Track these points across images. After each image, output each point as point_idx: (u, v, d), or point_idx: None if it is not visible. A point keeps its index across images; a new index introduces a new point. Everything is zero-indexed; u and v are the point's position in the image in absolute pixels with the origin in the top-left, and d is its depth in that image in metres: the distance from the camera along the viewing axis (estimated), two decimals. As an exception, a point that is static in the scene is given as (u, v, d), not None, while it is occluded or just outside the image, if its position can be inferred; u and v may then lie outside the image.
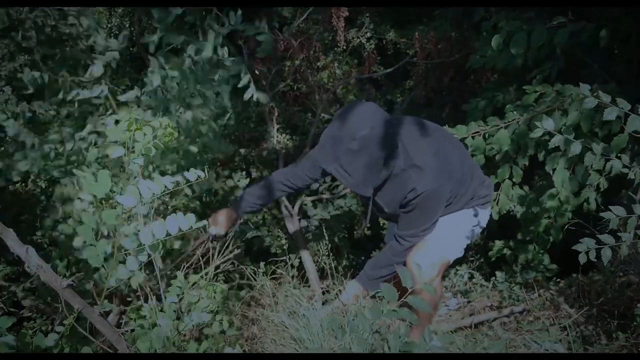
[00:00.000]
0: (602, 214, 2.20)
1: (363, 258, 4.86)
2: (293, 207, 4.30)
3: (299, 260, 3.84)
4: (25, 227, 4.21)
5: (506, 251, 3.79)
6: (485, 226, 2.88)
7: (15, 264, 3.89)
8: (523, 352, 2.76)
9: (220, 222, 2.83)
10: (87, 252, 1.75)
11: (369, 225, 2.82)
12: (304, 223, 4.05)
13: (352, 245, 4.99)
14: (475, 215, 2.79)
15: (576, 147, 2.47)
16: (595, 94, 2.39)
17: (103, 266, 1.76)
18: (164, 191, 1.62)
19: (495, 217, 3.47)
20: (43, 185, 4.22)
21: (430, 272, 2.63)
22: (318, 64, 5.39)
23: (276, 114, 5.19)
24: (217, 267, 2.76)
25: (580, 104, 2.91)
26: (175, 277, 2.19)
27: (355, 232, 5.07)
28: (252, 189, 2.94)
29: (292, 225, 4.13)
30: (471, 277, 3.79)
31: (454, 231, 2.76)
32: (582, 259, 2.15)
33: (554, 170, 3.09)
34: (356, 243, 5.07)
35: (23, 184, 4.15)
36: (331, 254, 3.63)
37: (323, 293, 3.46)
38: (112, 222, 1.58)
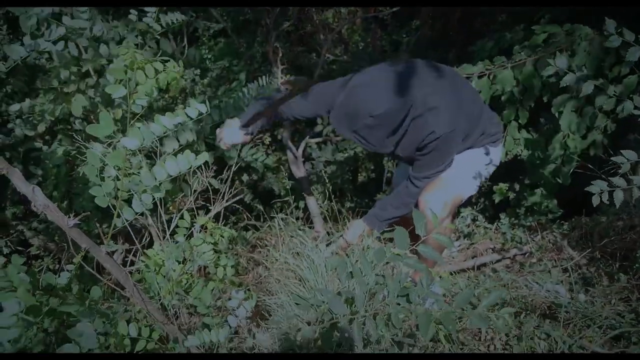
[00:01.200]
0: (613, 158, 2.18)
1: (367, 201, 4.88)
2: (297, 150, 4.29)
3: (303, 203, 3.86)
4: (32, 168, 4.22)
5: (510, 194, 3.79)
6: (498, 164, 2.89)
7: (22, 203, 3.93)
8: (524, 294, 2.79)
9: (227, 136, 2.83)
10: (93, 192, 1.76)
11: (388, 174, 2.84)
12: (308, 166, 4.05)
13: (356, 188, 5.01)
14: (487, 153, 2.80)
15: (588, 87, 2.43)
16: (619, 30, 2.33)
17: (109, 206, 1.77)
18: (166, 132, 1.62)
19: (502, 159, 3.46)
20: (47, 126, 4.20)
21: (443, 210, 2.66)
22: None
23: (280, 54, 5.11)
24: (225, 208, 2.77)
25: (589, 44, 2.85)
26: (182, 217, 2.20)
27: (359, 175, 5.08)
28: (259, 109, 2.86)
29: (297, 168, 4.13)
30: (474, 220, 3.80)
31: (467, 169, 2.78)
32: (595, 200, 2.14)
33: (560, 113, 3.05)
34: (360, 186, 5.08)
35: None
36: (335, 197, 3.64)
37: (327, 234, 3.49)
38: (117, 163, 1.57)
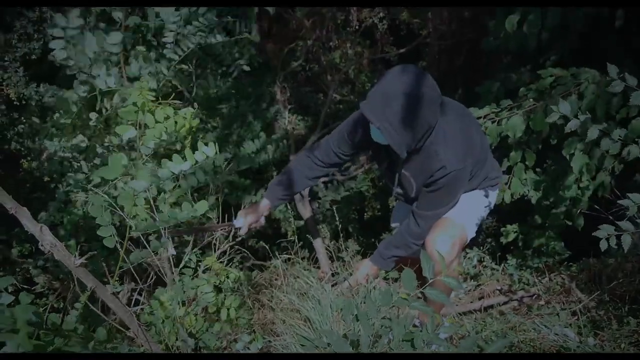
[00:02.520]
0: (620, 202, 2.17)
1: (373, 240, 4.86)
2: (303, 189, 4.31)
3: (309, 242, 3.85)
4: (37, 204, 4.24)
5: (518, 235, 3.77)
6: (492, 208, 2.89)
7: (29, 241, 3.94)
8: (532, 337, 2.76)
9: (246, 216, 2.84)
10: (101, 233, 1.76)
11: (399, 191, 2.81)
12: (314, 205, 4.06)
13: (362, 228, 4.99)
14: (487, 195, 2.81)
15: (593, 132, 2.44)
16: (621, 75, 2.34)
17: (116, 247, 1.78)
18: (173, 176, 1.63)
19: (508, 200, 3.45)
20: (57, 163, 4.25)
21: (452, 250, 2.64)
22: (330, 44, 5.35)
23: (288, 94, 5.18)
24: (230, 247, 2.77)
25: (597, 87, 2.87)
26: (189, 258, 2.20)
27: (365, 214, 5.08)
28: (279, 178, 2.91)
29: (303, 207, 4.14)
30: (481, 261, 3.78)
31: (471, 209, 2.77)
32: (603, 245, 2.13)
33: (571, 155, 3.05)
34: (366, 225, 5.07)
35: (36, 162, 4.18)
36: (341, 236, 3.64)
37: (333, 275, 3.47)
38: (126, 204, 1.58)
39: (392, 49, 5.52)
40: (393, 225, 3.23)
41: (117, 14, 2.70)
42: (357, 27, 5.23)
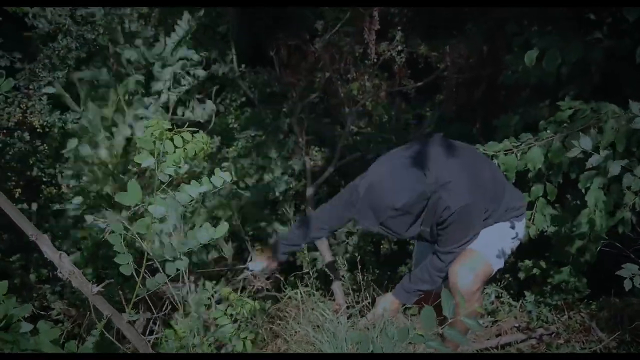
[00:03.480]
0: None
1: (389, 273, 4.82)
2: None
3: (324, 274, 3.82)
4: (56, 231, 4.27)
5: (536, 271, 3.72)
6: (522, 239, 2.89)
7: (46, 267, 3.96)
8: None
9: (262, 260, 3.05)
10: (118, 260, 1.77)
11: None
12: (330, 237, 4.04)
13: (378, 260, 4.96)
14: (512, 227, 2.80)
15: (615, 168, 2.42)
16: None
17: (133, 275, 1.78)
18: (192, 201, 1.64)
19: (534, 236, 3.42)
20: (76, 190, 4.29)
21: (474, 282, 2.63)
22: (348, 76, 5.39)
23: (305, 125, 5.20)
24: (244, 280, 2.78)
25: (617, 122, 2.85)
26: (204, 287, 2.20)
27: (381, 247, 5.04)
28: (290, 234, 3.09)
29: (320, 241, 4.12)
30: (498, 296, 3.73)
31: (495, 241, 2.77)
32: (627, 285, 2.11)
33: (586, 189, 3.03)
34: (382, 258, 5.03)
35: (56, 189, 4.23)
36: (357, 268, 3.61)
37: (348, 307, 3.44)
38: (143, 231, 1.59)
39: (410, 82, 5.54)
40: (414, 261, 3.24)
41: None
42: (375, 60, 5.26)
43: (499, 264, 2.80)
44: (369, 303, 3.09)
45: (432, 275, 2.73)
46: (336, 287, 3.63)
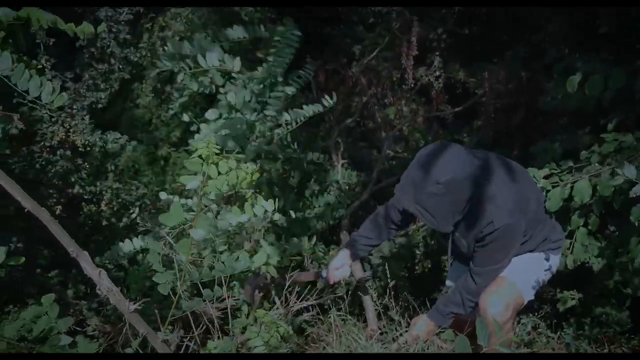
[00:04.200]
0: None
1: (422, 298, 4.77)
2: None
3: (358, 297, 3.80)
4: (94, 247, 4.35)
5: (575, 302, 3.64)
6: (555, 272, 2.83)
7: (84, 283, 4.03)
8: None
9: (334, 267, 3.04)
10: (156, 279, 1.79)
11: (451, 260, 2.87)
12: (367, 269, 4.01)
13: (412, 285, 4.91)
14: (547, 259, 2.75)
15: (661, 197, 2.37)
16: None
17: (170, 294, 1.80)
18: (233, 226, 1.66)
19: (570, 266, 3.35)
20: (115, 209, 4.37)
21: (506, 312, 2.59)
22: (385, 100, 5.40)
23: (342, 148, 5.21)
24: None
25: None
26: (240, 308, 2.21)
27: (415, 271, 5.00)
28: (363, 232, 3.07)
29: (355, 265, 4.11)
30: (536, 327, 3.66)
31: (528, 271, 2.73)
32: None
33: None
34: (416, 282, 4.99)
35: (96, 206, 4.31)
36: (391, 293, 3.59)
37: (381, 333, 3.42)
38: (184, 252, 1.61)
39: (447, 107, 5.52)
40: (448, 284, 3.20)
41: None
42: (412, 85, 5.27)
43: (530, 295, 2.76)
44: (402, 328, 3.07)
45: (464, 298, 2.71)
46: (369, 311, 3.61)
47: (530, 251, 2.73)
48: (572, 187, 3.17)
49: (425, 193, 2.34)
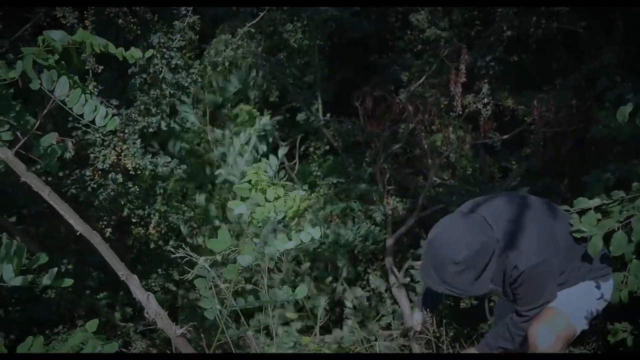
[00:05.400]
0: None
1: (468, 329, 4.70)
2: (399, 271, 4.28)
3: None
4: (141, 270, 4.43)
5: (627, 335, 3.52)
6: (609, 300, 2.75)
7: (131, 305, 4.09)
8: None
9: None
10: (203, 305, 1.81)
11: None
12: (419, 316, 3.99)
13: (458, 315, 4.85)
14: (598, 287, 2.68)
15: None
16: None
17: (216, 319, 1.81)
18: (280, 253, 1.67)
19: (625, 299, 3.23)
20: (162, 231, 4.44)
21: (555, 345, 2.53)
22: (432, 127, 5.38)
23: (387, 175, 5.20)
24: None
25: None
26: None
27: (461, 302, 4.93)
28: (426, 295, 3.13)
29: (399, 293, 4.10)
30: (586, 361, 3.55)
31: (579, 301, 2.65)
32: None
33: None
34: (462, 313, 4.92)
35: (144, 229, 4.39)
36: (436, 323, 3.55)
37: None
38: (230, 277, 1.63)
39: (495, 135, 5.47)
40: (492, 319, 3.17)
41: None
42: (460, 112, 5.24)
43: (583, 325, 2.68)
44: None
45: (512, 333, 2.65)
46: (414, 342, 3.59)
47: (578, 282, 2.67)
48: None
49: (448, 274, 2.38)
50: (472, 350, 2.85)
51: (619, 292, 3.05)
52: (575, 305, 2.63)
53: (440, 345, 3.42)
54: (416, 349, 3.58)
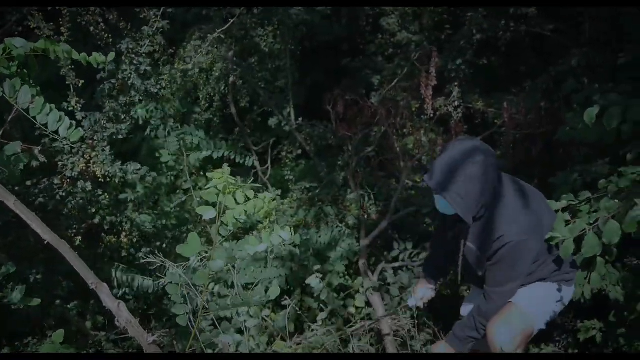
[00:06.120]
0: None
1: (442, 324, 4.73)
2: (373, 274, 4.29)
3: (378, 329, 3.78)
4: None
5: (596, 332, 3.58)
6: (567, 305, 2.84)
7: (102, 314, 4.04)
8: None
9: (419, 294, 3.23)
10: (175, 311, 1.80)
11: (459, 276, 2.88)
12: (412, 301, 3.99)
13: (433, 315, 4.87)
14: (560, 290, 2.77)
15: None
16: None
17: (189, 325, 1.80)
18: (250, 256, 1.67)
19: (588, 296, 3.28)
20: (134, 239, 4.39)
21: (513, 343, 2.58)
22: (404, 130, 5.41)
23: (360, 178, 5.22)
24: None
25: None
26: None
27: (436, 301, 4.96)
28: (428, 261, 3.33)
29: (373, 294, 4.11)
30: (557, 358, 3.60)
31: (539, 301, 2.74)
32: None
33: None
34: (436, 312, 4.95)
35: (115, 237, 4.34)
36: (414, 323, 3.58)
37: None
38: (202, 282, 1.62)
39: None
40: (462, 312, 3.21)
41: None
42: (431, 115, 5.27)
43: (541, 324, 2.75)
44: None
45: (476, 322, 2.73)
46: (388, 342, 3.60)
47: (542, 280, 2.74)
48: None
49: (461, 177, 2.41)
50: (441, 343, 2.88)
51: (582, 288, 3.11)
52: (535, 305, 2.71)
53: (413, 345, 3.44)
54: (389, 345, 3.59)
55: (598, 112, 3.61)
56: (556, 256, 2.67)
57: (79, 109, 3.90)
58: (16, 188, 3.78)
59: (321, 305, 4.24)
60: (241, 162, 5.71)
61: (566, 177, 3.95)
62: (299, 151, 5.88)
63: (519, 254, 2.54)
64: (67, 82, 3.77)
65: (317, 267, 4.18)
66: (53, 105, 1.98)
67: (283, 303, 2.87)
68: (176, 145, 5.15)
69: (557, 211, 3.22)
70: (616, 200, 2.92)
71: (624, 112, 3.48)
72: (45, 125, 1.97)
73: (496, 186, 2.50)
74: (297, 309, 3.56)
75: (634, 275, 3.29)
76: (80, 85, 3.78)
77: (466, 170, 2.40)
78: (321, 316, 3.92)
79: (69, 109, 3.84)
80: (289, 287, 4.25)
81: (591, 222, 2.81)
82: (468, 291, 4.44)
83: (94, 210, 4.17)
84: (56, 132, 1.99)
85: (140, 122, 4.67)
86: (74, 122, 2.04)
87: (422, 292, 3.24)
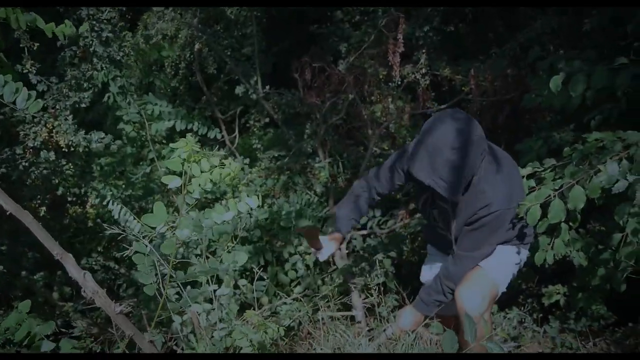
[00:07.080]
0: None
1: (409, 291, 4.79)
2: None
3: (346, 295, 3.81)
4: (80, 249, 4.33)
5: (560, 297, 3.67)
6: (522, 266, 2.91)
7: (69, 285, 4.00)
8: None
9: (323, 246, 2.98)
10: (141, 280, 1.78)
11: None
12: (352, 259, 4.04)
13: (400, 282, 4.93)
14: (518, 252, 2.83)
15: (642, 194, 2.38)
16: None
17: (155, 295, 1.79)
18: (216, 225, 1.66)
19: (551, 261, 3.35)
20: (99, 210, 4.34)
21: (482, 305, 2.62)
22: (372, 98, 5.40)
23: (328, 146, 5.21)
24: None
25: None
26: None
27: (402, 269, 5.02)
28: (344, 209, 3.06)
29: (341, 259, 4.13)
30: (522, 322, 3.68)
31: (504, 264, 2.80)
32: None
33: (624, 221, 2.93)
34: (404, 279, 5.01)
35: (81, 207, 4.28)
36: (380, 289, 3.60)
37: (369, 330, 3.43)
38: (168, 252, 1.60)
39: (434, 105, 5.52)
40: (423, 281, 3.23)
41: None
42: (399, 83, 5.27)
43: (504, 286, 2.81)
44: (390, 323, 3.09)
45: (443, 285, 2.76)
46: (357, 308, 3.63)
47: (503, 243, 2.78)
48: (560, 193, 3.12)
49: (441, 161, 2.37)
50: (408, 308, 2.90)
51: (544, 254, 3.17)
52: (500, 267, 2.76)
53: (380, 312, 3.48)
54: (356, 299, 3.59)
55: (563, 79, 3.65)
56: (520, 220, 2.72)
57: (34, 72, 3.78)
58: (-23, 159, 3.70)
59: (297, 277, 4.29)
60: (204, 133, 5.65)
61: (531, 144, 3.99)
62: (267, 120, 5.84)
63: (503, 221, 2.60)
64: (20, 45, 3.65)
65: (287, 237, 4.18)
66: (10, 77, 1.91)
67: (261, 274, 2.88)
68: (137, 116, 5.05)
69: (522, 177, 3.28)
70: (580, 167, 2.97)
71: (588, 79, 3.52)
72: (1, 96, 1.91)
73: (483, 157, 2.49)
74: (266, 277, 3.55)
75: (596, 241, 3.36)
76: (35, 48, 3.66)
77: (449, 157, 2.36)
78: (297, 290, 3.96)
79: (24, 71, 3.72)
80: (265, 260, 4.28)
81: (556, 188, 2.86)
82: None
83: (58, 181, 4.09)
84: (14, 102, 1.93)
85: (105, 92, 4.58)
86: (32, 93, 1.98)
87: (328, 251, 3.04)
